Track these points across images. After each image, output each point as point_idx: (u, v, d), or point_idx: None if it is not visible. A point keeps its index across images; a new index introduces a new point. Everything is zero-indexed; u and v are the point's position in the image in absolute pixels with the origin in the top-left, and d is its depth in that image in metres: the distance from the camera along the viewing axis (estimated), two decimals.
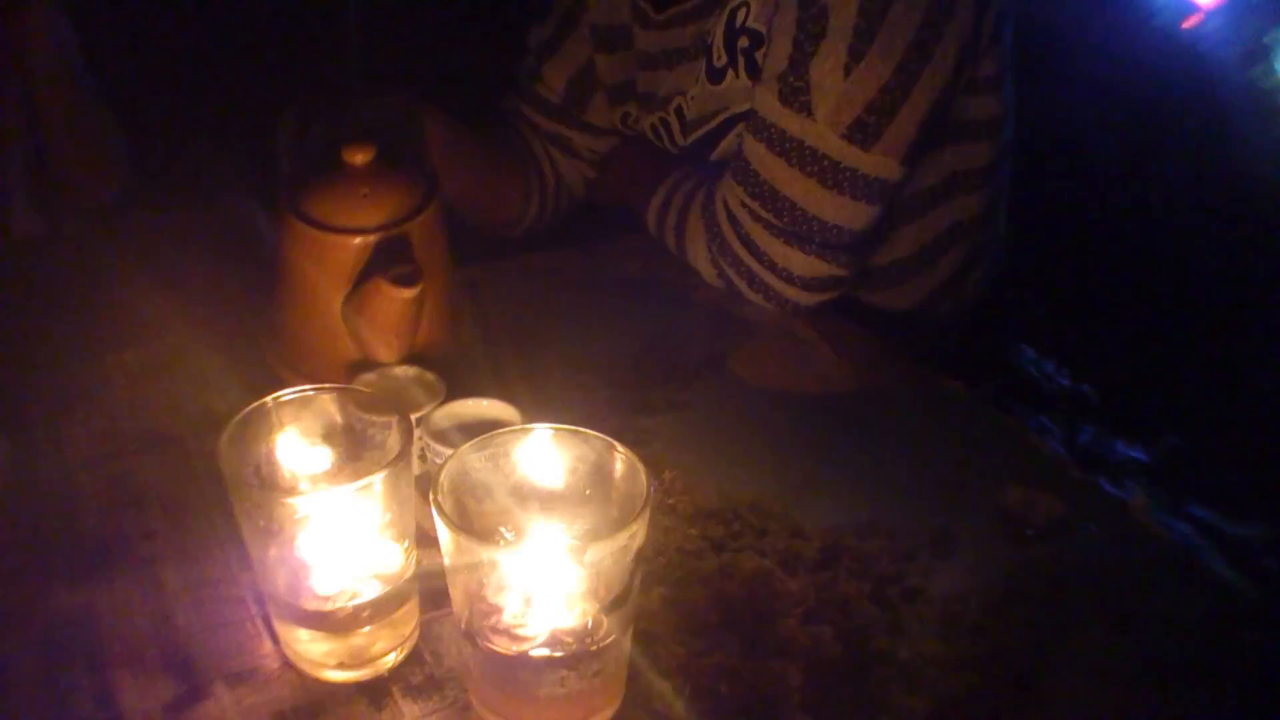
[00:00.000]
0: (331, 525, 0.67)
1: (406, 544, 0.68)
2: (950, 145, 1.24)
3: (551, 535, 0.63)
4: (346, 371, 0.91)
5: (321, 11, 2.30)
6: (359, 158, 0.92)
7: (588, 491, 0.62)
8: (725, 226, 1.20)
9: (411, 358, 0.91)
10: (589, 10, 1.40)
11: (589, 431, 0.62)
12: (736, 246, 1.19)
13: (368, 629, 0.68)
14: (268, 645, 0.72)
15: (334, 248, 0.91)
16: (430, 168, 1.00)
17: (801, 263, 1.16)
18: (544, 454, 0.62)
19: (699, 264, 1.24)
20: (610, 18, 1.38)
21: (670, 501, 0.85)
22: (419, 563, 0.69)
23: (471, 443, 0.61)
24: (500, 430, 0.62)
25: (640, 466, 0.59)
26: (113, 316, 1.11)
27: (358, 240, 0.90)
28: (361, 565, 0.68)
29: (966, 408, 1.06)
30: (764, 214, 1.16)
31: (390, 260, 0.89)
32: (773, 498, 0.87)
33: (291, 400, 0.69)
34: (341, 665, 0.69)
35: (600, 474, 0.62)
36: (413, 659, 0.71)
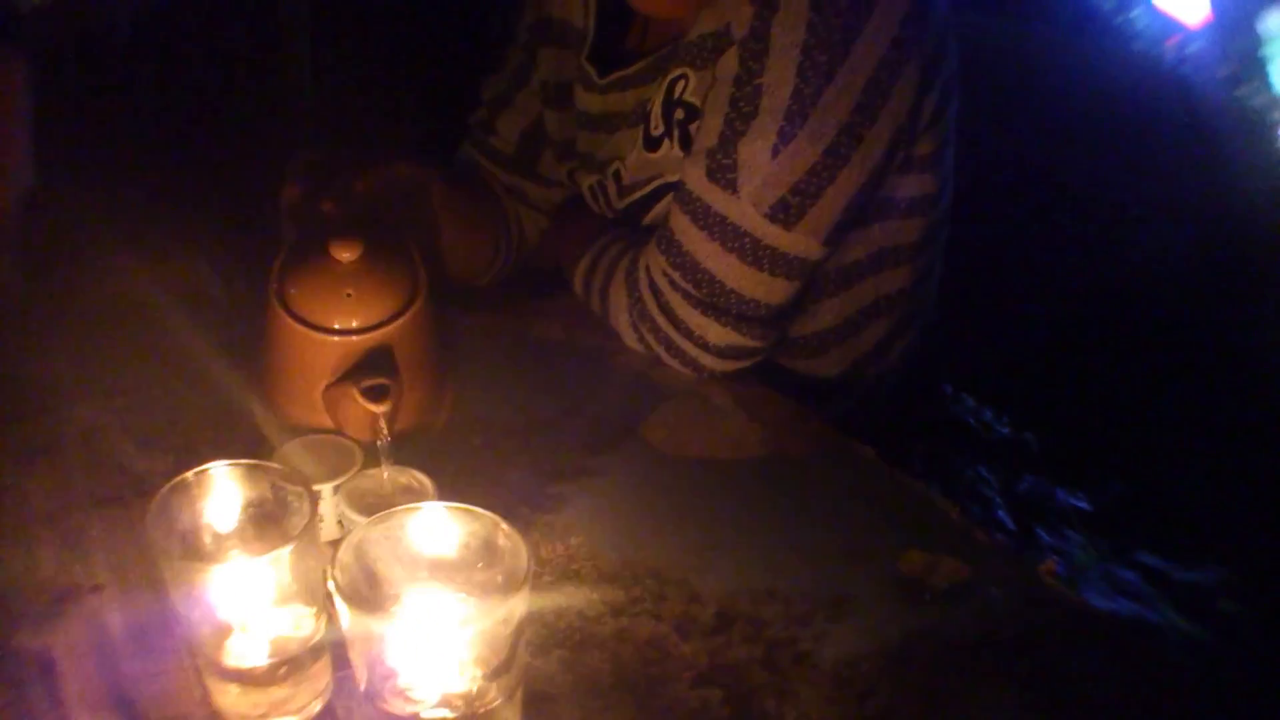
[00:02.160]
0: (248, 591, 0.71)
1: (315, 609, 0.73)
2: (879, 222, 1.26)
3: (442, 606, 0.68)
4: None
5: (273, 66, 2.35)
6: (345, 254, 0.94)
7: (479, 565, 0.67)
8: (646, 293, 1.22)
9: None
10: (539, 66, 1.42)
11: (478, 510, 0.66)
12: (655, 313, 1.21)
13: (286, 684, 0.73)
14: (199, 693, 0.77)
15: (314, 345, 0.94)
16: (420, 256, 1.03)
17: (718, 333, 1.18)
18: (437, 530, 0.67)
19: (621, 328, 1.26)
20: (558, 74, 1.40)
21: (574, 567, 0.89)
22: (329, 624, 0.73)
23: (370, 520, 0.66)
24: (396, 509, 0.67)
25: (522, 544, 0.64)
26: (69, 373, 1.17)
27: (336, 340, 0.94)
28: (276, 627, 0.73)
29: (875, 473, 1.09)
30: (683, 284, 1.18)
31: (369, 364, 0.93)
32: (674, 563, 0.91)
33: (213, 474, 0.73)
34: (264, 717, 0.73)
35: (489, 549, 0.67)
36: (326, 712, 0.76)
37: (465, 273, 1.45)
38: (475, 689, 0.65)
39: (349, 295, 0.94)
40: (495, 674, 0.64)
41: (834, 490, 1.05)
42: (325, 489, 0.84)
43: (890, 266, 1.31)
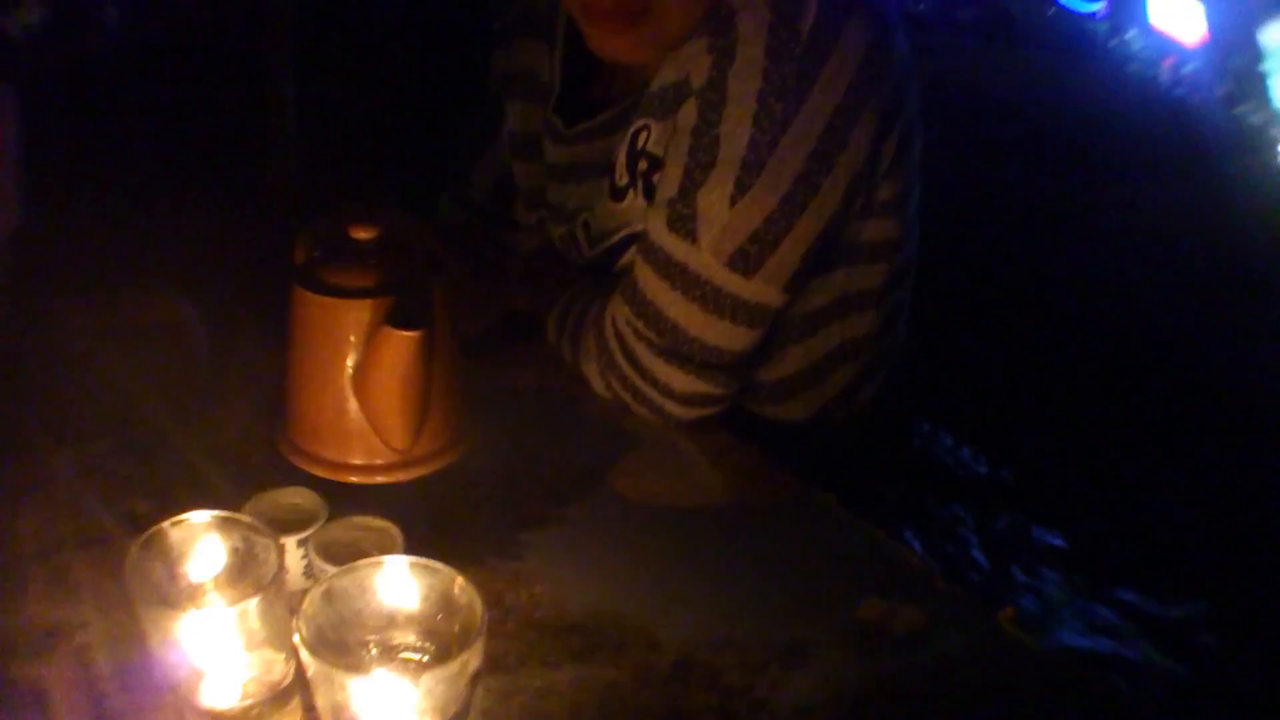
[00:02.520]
0: (220, 636, 0.75)
1: (285, 655, 0.76)
2: (842, 267, 1.27)
3: (402, 655, 0.71)
4: (357, 458, 0.99)
5: (258, 103, 2.39)
6: (364, 234, 0.98)
7: (438, 617, 0.70)
8: (612, 342, 1.23)
9: (412, 461, 0.99)
10: (507, 118, 1.46)
11: (437, 565, 0.70)
12: (621, 362, 1.22)
13: None
14: None
15: (341, 312, 0.95)
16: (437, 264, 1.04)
17: (682, 381, 1.19)
18: (397, 584, 0.70)
19: (590, 375, 1.27)
20: (525, 126, 1.43)
21: (538, 615, 0.92)
22: (299, 669, 0.77)
23: (334, 573, 0.70)
24: (358, 564, 0.70)
25: (478, 599, 0.67)
26: (52, 414, 1.20)
27: (367, 302, 0.94)
28: (248, 671, 0.76)
29: (836, 521, 1.11)
30: (647, 333, 1.19)
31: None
32: (635, 611, 0.93)
33: (187, 525, 0.77)
34: None
35: (446, 603, 0.70)
36: None
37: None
38: None
39: (373, 264, 0.97)
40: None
41: (794, 538, 1.07)
42: (291, 541, 0.87)
43: (855, 311, 1.32)
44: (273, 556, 0.75)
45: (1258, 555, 3.05)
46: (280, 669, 0.77)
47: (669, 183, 1.18)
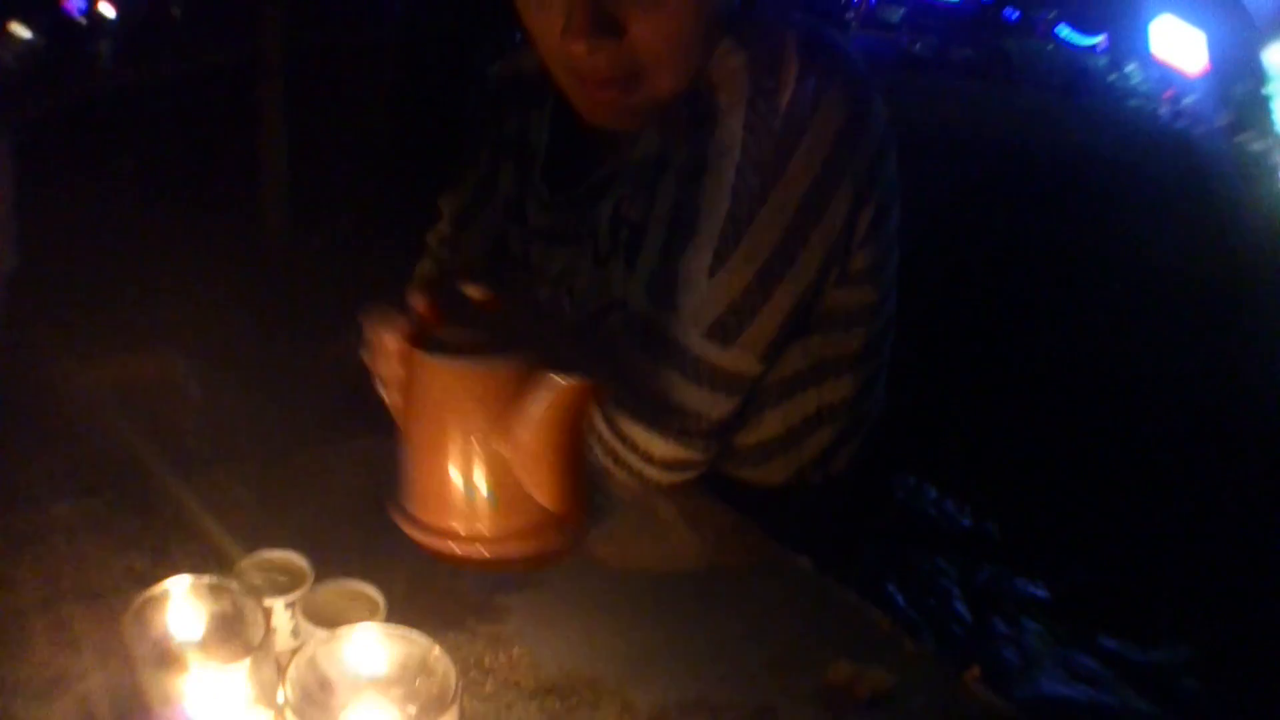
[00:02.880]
0: (214, 694, 0.79)
1: (274, 713, 0.80)
2: (819, 334, 1.28)
3: (382, 717, 0.75)
4: (488, 529, 0.90)
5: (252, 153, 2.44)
6: (478, 293, 0.91)
7: (415, 681, 0.74)
8: (592, 408, 1.24)
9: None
10: (501, 181, 1.44)
11: (414, 634, 0.74)
12: (601, 427, 1.22)
13: None
14: None
15: (488, 377, 0.88)
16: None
17: (661, 447, 1.20)
18: (376, 650, 0.75)
19: None
20: (518, 189, 1.43)
21: (515, 677, 0.95)
22: None
23: (317, 639, 0.74)
24: (341, 630, 0.75)
25: (452, 667, 0.71)
26: (53, 468, 1.25)
27: (514, 364, 0.87)
28: None
29: (809, 584, 1.14)
30: (627, 399, 1.20)
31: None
32: (609, 673, 0.96)
33: (181, 588, 0.81)
34: None
35: (423, 668, 0.74)
36: None
37: None
38: None
39: (506, 325, 0.90)
40: None
41: (767, 602, 1.10)
42: (279, 603, 0.91)
43: (832, 376, 1.33)
44: (260, 620, 0.79)
45: (1240, 600, 3.09)
46: None
47: (649, 253, 1.20)
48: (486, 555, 0.89)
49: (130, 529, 1.13)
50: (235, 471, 1.23)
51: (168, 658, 0.80)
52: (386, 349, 0.95)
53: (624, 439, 1.22)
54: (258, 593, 0.86)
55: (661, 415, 1.20)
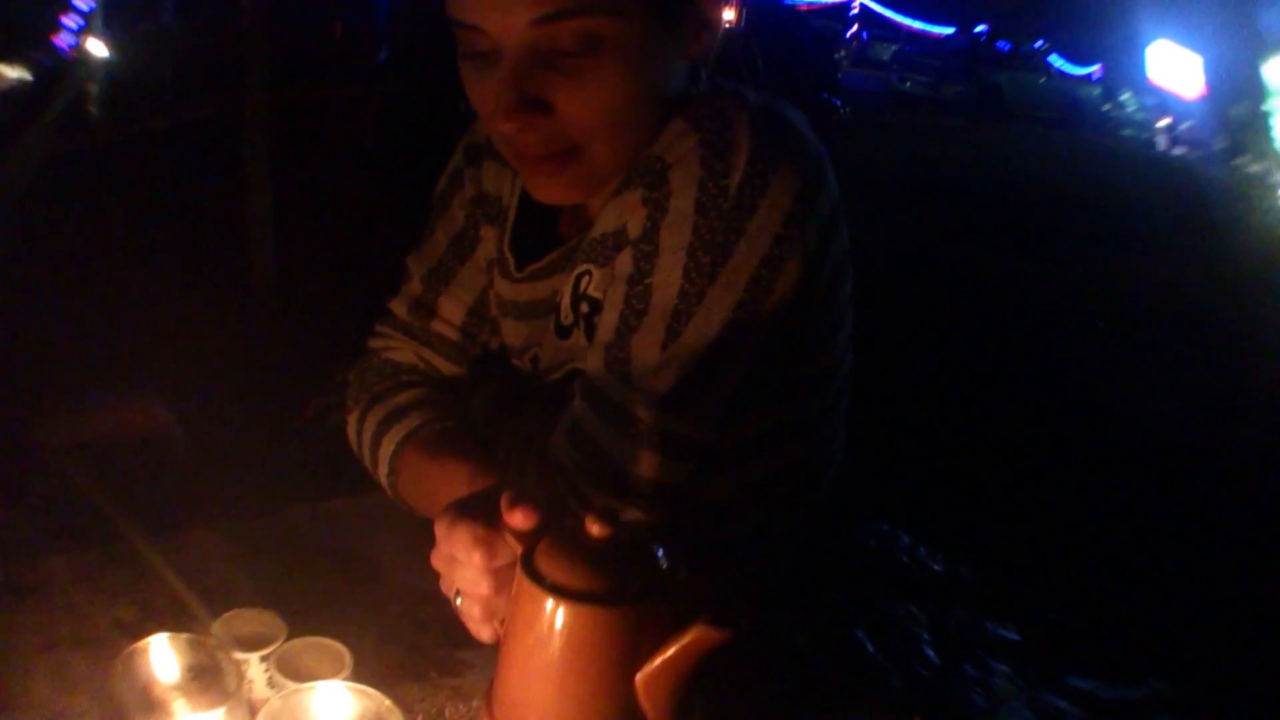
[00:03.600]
0: None
1: None
2: (775, 401, 1.29)
3: None
4: None
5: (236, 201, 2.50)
6: (597, 529, 0.88)
7: None
8: (556, 474, 1.28)
9: None
10: (482, 241, 1.44)
11: (370, 690, 0.83)
12: (564, 492, 1.24)
13: None
14: None
15: (639, 620, 0.86)
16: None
17: (620, 511, 1.20)
18: (336, 705, 0.84)
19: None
20: (490, 252, 1.46)
21: None
22: None
23: (282, 694, 0.83)
24: (303, 686, 0.84)
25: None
26: (46, 522, 1.35)
27: (660, 611, 0.86)
28: None
29: (761, 634, 1.22)
30: (586, 465, 1.22)
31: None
32: None
33: (164, 643, 0.92)
34: None
35: None
36: None
37: None
38: None
39: (638, 561, 0.89)
40: None
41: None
42: (254, 657, 0.99)
43: (789, 440, 1.34)
44: (234, 671, 0.88)
45: (1217, 635, 3.17)
46: None
47: (606, 327, 1.22)
48: None
49: (119, 582, 1.20)
50: (216, 529, 1.32)
51: (152, 705, 0.89)
52: (476, 565, 0.95)
53: (586, 505, 1.26)
54: (235, 647, 0.95)
55: (619, 480, 1.24)
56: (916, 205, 9.91)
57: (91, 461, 1.41)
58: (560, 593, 0.85)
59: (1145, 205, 10.46)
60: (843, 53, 29.46)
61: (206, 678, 0.92)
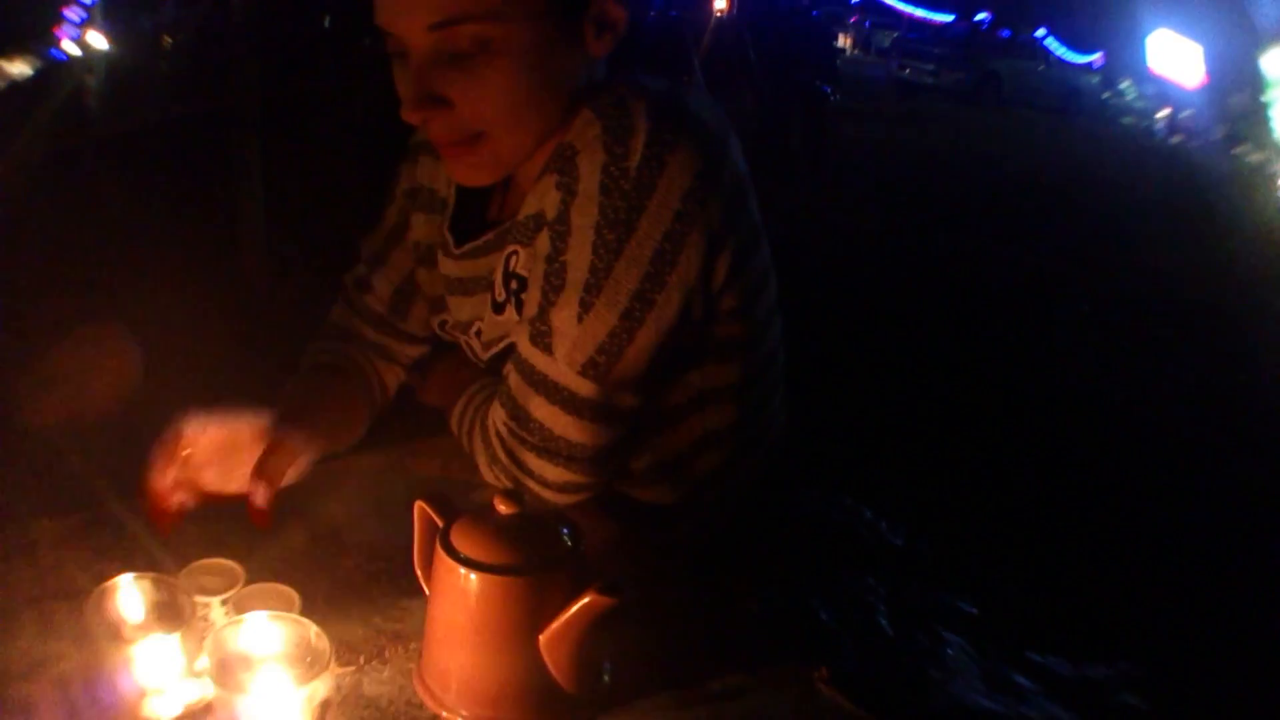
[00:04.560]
0: (156, 665, 1.01)
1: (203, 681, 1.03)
2: (695, 368, 1.39)
3: (274, 683, 0.96)
4: (537, 709, 1.03)
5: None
6: (505, 507, 1.04)
7: (308, 660, 0.97)
8: (494, 440, 1.37)
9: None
10: (412, 227, 1.58)
11: (302, 619, 0.96)
12: (502, 457, 1.36)
13: None
14: None
15: (546, 588, 1.00)
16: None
17: (553, 472, 1.33)
18: (270, 632, 0.97)
19: (481, 467, 1.41)
20: (427, 236, 1.56)
21: (410, 665, 1.11)
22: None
23: (224, 624, 0.96)
24: (242, 617, 0.97)
25: (328, 644, 0.93)
26: (37, 488, 1.47)
27: (562, 579, 1.01)
28: (177, 692, 1.03)
29: (684, 590, 1.32)
30: (520, 432, 1.33)
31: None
32: None
33: (132, 582, 1.06)
34: None
35: (306, 646, 0.96)
36: None
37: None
38: None
39: (541, 537, 1.05)
40: None
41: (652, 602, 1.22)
42: (215, 600, 1.11)
43: (713, 405, 1.43)
44: (190, 606, 1.02)
45: (1188, 620, 3.24)
46: (199, 692, 1.02)
47: (530, 303, 1.33)
48: None
49: (105, 542, 1.29)
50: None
51: (119, 634, 1.02)
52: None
53: (521, 466, 1.39)
54: (198, 591, 1.08)
55: (550, 444, 1.35)
56: (910, 191, 9.95)
57: (77, 434, 1.51)
58: (471, 565, 0.99)
59: (1142, 193, 10.47)
60: (849, 41, 29.47)
61: (169, 613, 1.04)
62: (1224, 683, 2.80)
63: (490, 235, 1.49)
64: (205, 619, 1.10)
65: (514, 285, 1.40)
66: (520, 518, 1.04)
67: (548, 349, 1.30)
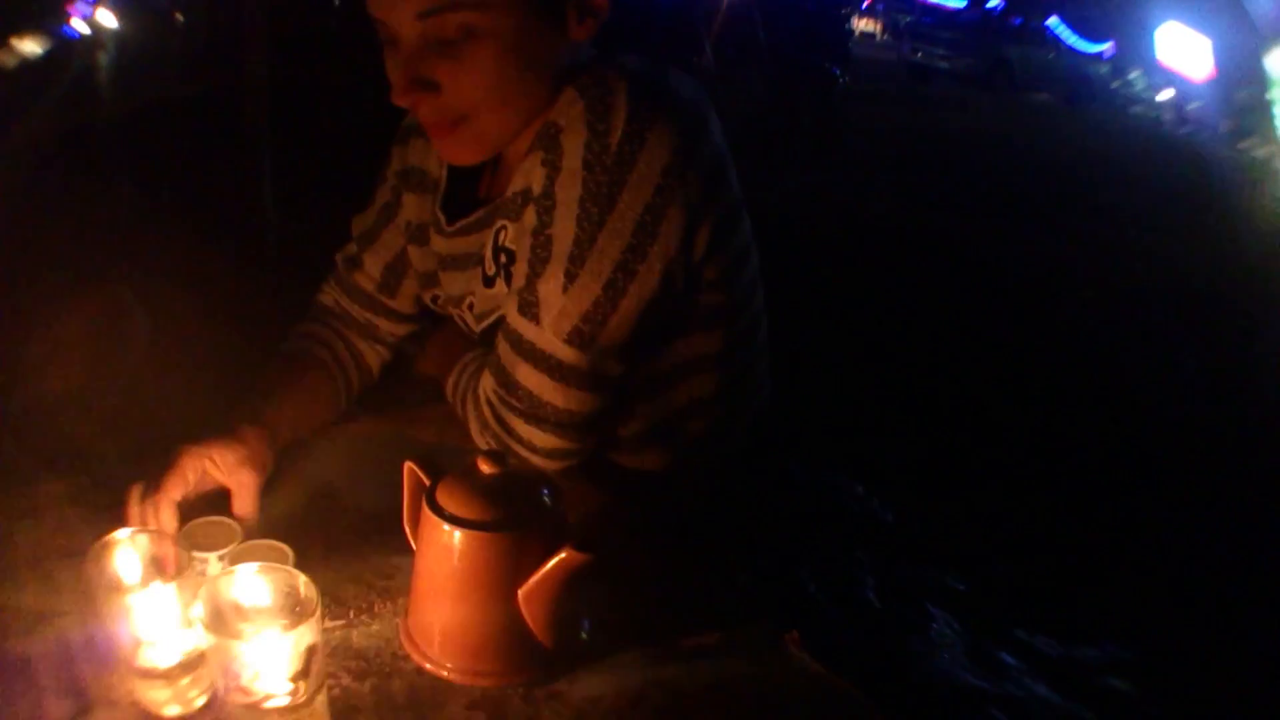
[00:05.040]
0: (152, 615, 1.06)
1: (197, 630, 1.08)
2: (680, 337, 1.44)
3: (264, 630, 1.00)
4: (515, 662, 1.10)
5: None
6: (487, 468, 1.09)
7: (296, 609, 1.02)
8: (484, 408, 1.42)
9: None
10: (404, 207, 1.63)
11: (292, 570, 1.01)
12: (493, 423, 1.41)
13: (180, 681, 1.07)
14: (128, 686, 1.08)
15: (513, 544, 1.06)
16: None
17: (541, 438, 1.38)
18: (260, 582, 1.01)
19: (474, 434, 1.45)
20: (419, 216, 1.62)
21: (396, 618, 1.16)
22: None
23: (218, 574, 1.01)
24: (237, 567, 1.02)
25: (315, 593, 0.98)
26: (43, 450, 1.52)
27: (535, 532, 1.07)
28: (172, 642, 1.07)
29: (671, 553, 1.36)
30: (509, 399, 1.38)
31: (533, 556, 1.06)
32: None
33: (131, 537, 1.10)
34: (168, 702, 1.06)
35: (294, 595, 1.01)
36: (209, 703, 1.08)
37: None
38: (288, 688, 0.99)
39: (533, 497, 1.10)
40: (298, 677, 0.98)
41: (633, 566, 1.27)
42: (212, 556, 1.16)
43: (698, 372, 1.48)
44: (186, 560, 1.06)
45: (1178, 601, 3.27)
46: (194, 641, 1.07)
47: (518, 275, 1.38)
48: (499, 681, 1.10)
49: (108, 502, 1.31)
50: None
51: (118, 587, 1.07)
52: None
53: (511, 432, 1.44)
54: (197, 548, 1.13)
55: (538, 411, 1.38)
56: (917, 176, 9.95)
57: (82, 400, 1.56)
58: (455, 521, 1.05)
59: (1148, 182, 10.44)
60: (878, 25, 29.42)
61: (166, 567, 1.09)
62: (1210, 669, 2.82)
63: (480, 212, 1.54)
64: (202, 574, 1.14)
65: (503, 259, 1.45)
66: (503, 478, 1.09)
67: (534, 318, 1.35)
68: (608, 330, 1.34)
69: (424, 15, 1.34)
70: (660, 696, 1.07)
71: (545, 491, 1.10)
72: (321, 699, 1.01)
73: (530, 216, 1.40)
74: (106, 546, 1.07)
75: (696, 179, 1.34)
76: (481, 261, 1.49)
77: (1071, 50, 20.81)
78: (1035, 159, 11.77)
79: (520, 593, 1.05)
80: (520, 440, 1.40)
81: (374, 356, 1.73)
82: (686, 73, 1.44)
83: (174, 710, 1.05)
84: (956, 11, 24.64)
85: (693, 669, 1.11)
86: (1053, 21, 21.49)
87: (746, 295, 1.50)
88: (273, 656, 0.95)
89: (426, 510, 1.06)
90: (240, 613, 1.01)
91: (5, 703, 1.05)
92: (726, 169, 1.45)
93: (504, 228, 1.45)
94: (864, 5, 31.20)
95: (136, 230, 2.45)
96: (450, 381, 1.59)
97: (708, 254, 1.39)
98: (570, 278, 1.33)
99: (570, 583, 1.04)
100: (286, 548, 1.17)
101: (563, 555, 1.02)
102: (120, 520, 1.26)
